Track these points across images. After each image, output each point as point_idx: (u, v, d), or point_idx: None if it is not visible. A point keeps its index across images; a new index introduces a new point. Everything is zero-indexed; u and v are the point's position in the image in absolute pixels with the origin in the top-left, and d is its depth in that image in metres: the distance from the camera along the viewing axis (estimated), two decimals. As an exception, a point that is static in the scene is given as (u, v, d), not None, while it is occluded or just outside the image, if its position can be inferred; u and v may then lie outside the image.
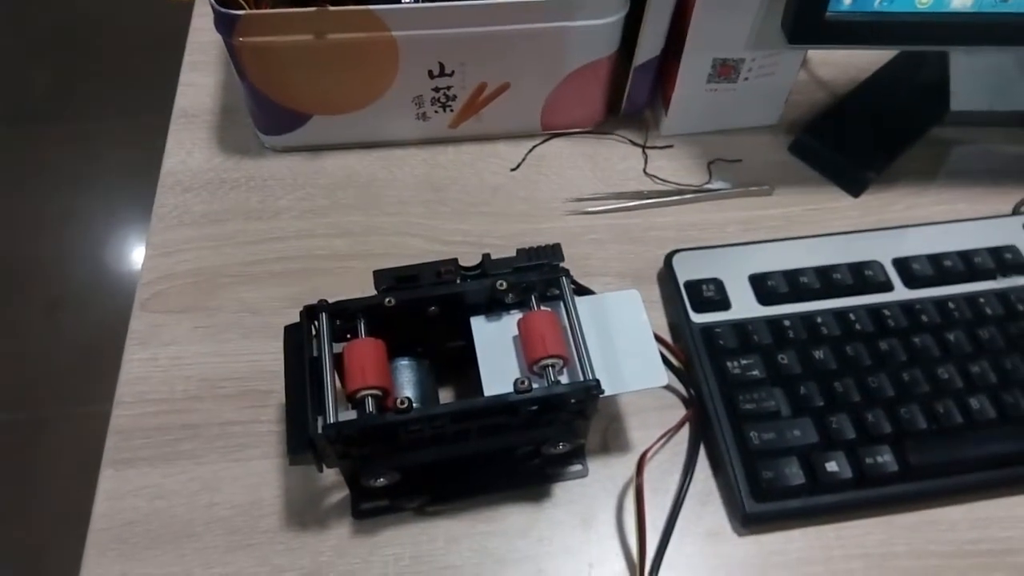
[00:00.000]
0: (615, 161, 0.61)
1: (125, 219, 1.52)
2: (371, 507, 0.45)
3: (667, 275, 0.53)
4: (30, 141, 1.61)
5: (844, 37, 0.51)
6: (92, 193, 1.55)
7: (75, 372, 1.33)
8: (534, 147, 0.61)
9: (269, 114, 0.57)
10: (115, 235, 1.51)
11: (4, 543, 1.18)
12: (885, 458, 0.45)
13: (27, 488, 1.23)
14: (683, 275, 0.52)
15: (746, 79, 0.58)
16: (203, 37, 0.66)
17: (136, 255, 1.48)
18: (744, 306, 0.51)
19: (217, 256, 0.55)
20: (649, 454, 0.46)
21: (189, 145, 0.60)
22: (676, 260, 0.53)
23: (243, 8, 0.51)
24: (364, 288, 0.43)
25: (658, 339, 0.44)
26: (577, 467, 0.47)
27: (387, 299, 0.41)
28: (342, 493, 0.45)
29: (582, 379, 0.40)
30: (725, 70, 0.57)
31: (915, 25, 0.51)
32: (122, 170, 1.56)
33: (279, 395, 0.48)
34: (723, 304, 0.51)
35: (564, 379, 0.40)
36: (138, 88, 1.59)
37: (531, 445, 0.43)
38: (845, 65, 0.66)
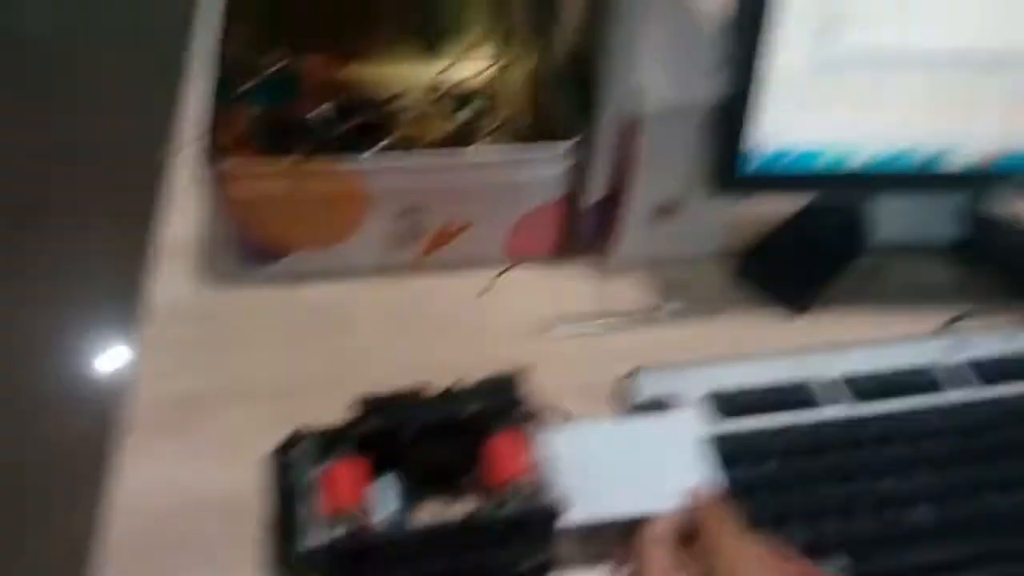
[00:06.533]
0: (573, 288, 0.65)
1: (100, 328, 1.52)
2: (347, 627, 0.46)
3: (626, 395, 0.56)
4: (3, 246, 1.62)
5: (760, 189, 0.59)
6: (68, 309, 1.55)
7: (48, 485, 1.30)
8: (498, 276, 0.66)
9: (251, 248, 0.62)
10: (88, 350, 1.50)
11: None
12: (835, 567, 0.48)
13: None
14: (640, 394, 0.56)
15: (685, 216, 0.63)
16: (188, 173, 0.70)
17: (109, 368, 1.47)
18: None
19: (202, 381, 0.57)
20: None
21: (174, 275, 0.64)
22: (634, 380, 0.57)
23: (229, 154, 0.56)
24: (343, 412, 0.46)
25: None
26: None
27: (365, 423, 0.44)
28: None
29: (547, 500, 0.42)
30: (666, 209, 0.62)
31: (819, 179, 0.58)
32: (96, 283, 1.56)
33: (262, 514, 0.49)
34: (678, 421, 0.54)
35: (531, 499, 0.43)
36: (114, 209, 1.61)
37: (505, 560, 0.45)
38: (780, 197, 0.72)
